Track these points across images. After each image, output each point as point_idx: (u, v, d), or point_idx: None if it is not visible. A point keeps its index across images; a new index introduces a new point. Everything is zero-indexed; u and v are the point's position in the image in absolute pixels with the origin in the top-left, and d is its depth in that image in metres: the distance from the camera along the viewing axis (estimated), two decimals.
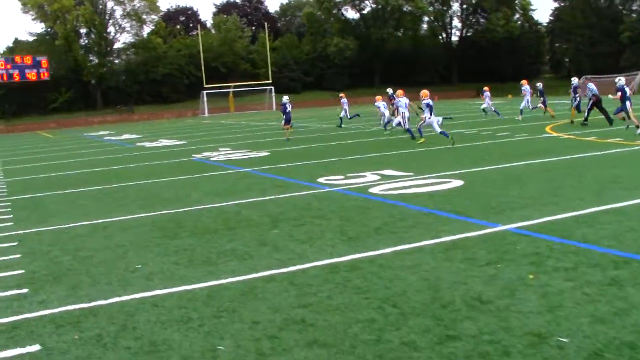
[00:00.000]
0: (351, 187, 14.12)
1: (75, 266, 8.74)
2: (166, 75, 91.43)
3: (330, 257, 8.30)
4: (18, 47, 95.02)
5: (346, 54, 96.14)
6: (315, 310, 6.32)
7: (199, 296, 7.04)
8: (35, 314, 6.81)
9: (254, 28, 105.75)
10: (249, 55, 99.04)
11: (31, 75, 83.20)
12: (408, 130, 25.90)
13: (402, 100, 27.04)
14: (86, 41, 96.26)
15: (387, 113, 31.15)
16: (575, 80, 32.02)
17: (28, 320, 6.64)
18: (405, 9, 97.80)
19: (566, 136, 23.29)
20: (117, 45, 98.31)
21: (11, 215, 13.34)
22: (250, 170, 18.60)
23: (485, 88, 39.14)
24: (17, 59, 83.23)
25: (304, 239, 9.39)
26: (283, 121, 29.60)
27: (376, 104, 32.56)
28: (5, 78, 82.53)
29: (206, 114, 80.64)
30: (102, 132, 54.88)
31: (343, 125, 36.56)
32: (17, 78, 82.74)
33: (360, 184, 14.37)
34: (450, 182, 13.94)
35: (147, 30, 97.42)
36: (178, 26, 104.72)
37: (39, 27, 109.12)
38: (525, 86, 35.09)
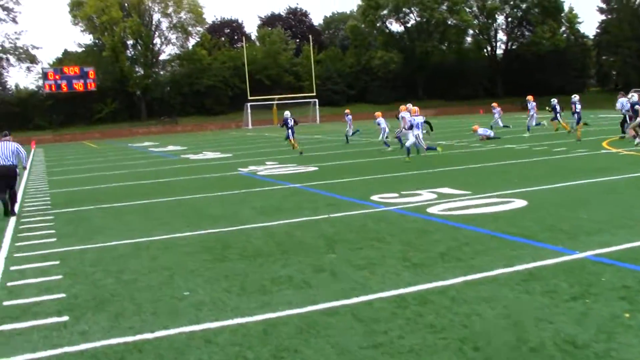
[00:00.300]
0: (408, 206, 13.38)
1: (119, 291, 8.18)
2: (210, 87, 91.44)
3: (396, 287, 7.59)
4: (67, 58, 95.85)
5: (390, 67, 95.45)
6: (388, 352, 5.62)
7: (254, 332, 6.38)
8: (76, 348, 6.25)
9: (298, 40, 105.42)
10: (293, 67, 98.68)
11: (78, 85, 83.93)
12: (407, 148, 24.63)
13: (418, 119, 25.04)
14: (132, 52, 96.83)
15: (387, 129, 30.30)
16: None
17: (68, 355, 6.10)
18: (450, 22, 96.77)
19: (626, 152, 22.28)
20: (162, 57, 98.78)
21: (54, 231, 12.90)
22: (299, 186, 17.94)
23: (494, 104, 39.28)
24: (66, 69, 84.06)
25: (364, 265, 8.71)
26: (289, 135, 31.26)
27: (377, 120, 31.36)
28: (54, 88, 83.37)
29: (250, 126, 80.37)
30: (146, 143, 54.83)
31: (350, 142, 36.04)
32: (65, 89, 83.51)
33: (417, 203, 13.63)
34: (512, 201, 13.12)
35: (192, 42, 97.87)
36: (223, 38, 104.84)
37: (88, 39, 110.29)
38: (532, 102, 34.35)
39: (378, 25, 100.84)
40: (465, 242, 9.73)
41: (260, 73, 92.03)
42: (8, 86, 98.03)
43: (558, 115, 33.91)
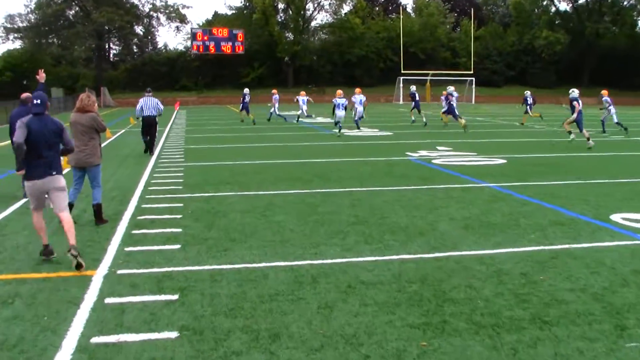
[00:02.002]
0: None
1: None
2: (361, 58, 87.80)
3: None
4: (216, 20, 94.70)
5: (555, 48, 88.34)
6: None
7: None
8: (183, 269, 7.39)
9: (455, 14, 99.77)
10: (450, 42, 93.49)
11: (226, 48, 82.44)
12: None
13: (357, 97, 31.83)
14: (282, 17, 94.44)
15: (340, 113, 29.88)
16: None
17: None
18: (625, 3, 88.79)
19: None
20: (313, 24, 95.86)
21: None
22: (496, 188, 13.90)
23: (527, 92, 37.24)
24: (214, 31, 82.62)
25: None
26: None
27: (298, 98, 40.07)
28: (201, 50, 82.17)
29: (400, 102, 76.27)
30: (293, 112, 51.78)
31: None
32: (212, 50, 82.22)
33: None
34: None
35: (345, 9, 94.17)
36: (377, 8, 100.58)
37: (238, 1, 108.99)
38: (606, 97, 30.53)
39: (544, 2, 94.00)
40: None
41: (414, 46, 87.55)
42: (158, 47, 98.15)
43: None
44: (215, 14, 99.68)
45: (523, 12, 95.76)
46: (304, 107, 39.90)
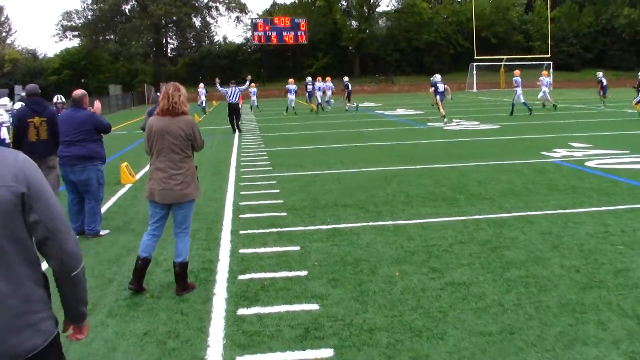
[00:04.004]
0: None
1: None
2: (430, 44, 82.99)
3: None
4: (276, 10, 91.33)
5: (638, 27, 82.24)
6: None
7: None
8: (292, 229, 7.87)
9: None
10: (523, 25, 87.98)
11: (289, 38, 78.74)
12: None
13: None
14: (346, 4, 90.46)
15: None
16: None
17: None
18: None
19: None
20: (378, 10, 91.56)
21: None
22: None
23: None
24: (276, 20, 79.00)
25: None
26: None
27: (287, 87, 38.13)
28: (263, 40, 78.66)
29: (474, 89, 71.75)
30: (367, 104, 48.00)
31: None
32: (274, 41, 78.63)
33: None
34: None
35: None
36: None
37: None
38: (517, 77, 31.03)
39: None
40: None
41: (486, 30, 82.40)
42: (216, 40, 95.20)
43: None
44: (274, 4, 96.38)
45: None
46: (290, 97, 38.21)
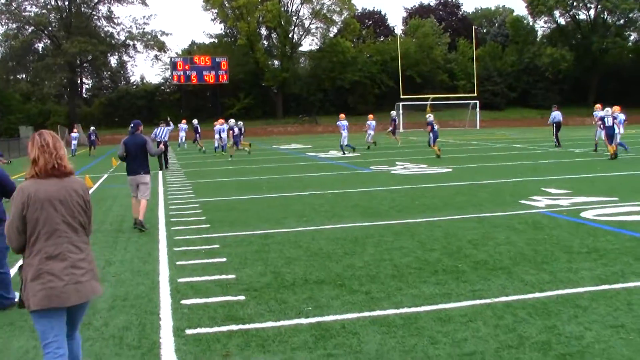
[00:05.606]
0: None
1: None
2: (354, 83, 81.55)
3: None
4: (195, 49, 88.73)
5: (561, 65, 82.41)
6: None
7: None
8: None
9: (449, 34, 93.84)
10: (447, 64, 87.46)
11: (209, 77, 76.21)
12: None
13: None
14: (266, 44, 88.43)
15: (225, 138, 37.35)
16: None
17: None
18: (632, 15, 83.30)
19: None
20: (301, 49, 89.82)
21: None
22: None
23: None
24: (196, 59, 76.35)
25: None
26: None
27: (215, 127, 38.44)
28: (182, 80, 75.98)
29: (401, 129, 70.14)
30: (295, 145, 45.70)
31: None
32: (194, 80, 76.11)
33: None
34: None
35: (333, 32, 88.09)
36: (364, 31, 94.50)
37: (217, 29, 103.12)
38: (371, 121, 35.68)
39: (545, 18, 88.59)
40: None
41: (411, 69, 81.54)
42: (133, 80, 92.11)
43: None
44: (193, 43, 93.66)
45: (521, 30, 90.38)
46: (218, 137, 38.95)
